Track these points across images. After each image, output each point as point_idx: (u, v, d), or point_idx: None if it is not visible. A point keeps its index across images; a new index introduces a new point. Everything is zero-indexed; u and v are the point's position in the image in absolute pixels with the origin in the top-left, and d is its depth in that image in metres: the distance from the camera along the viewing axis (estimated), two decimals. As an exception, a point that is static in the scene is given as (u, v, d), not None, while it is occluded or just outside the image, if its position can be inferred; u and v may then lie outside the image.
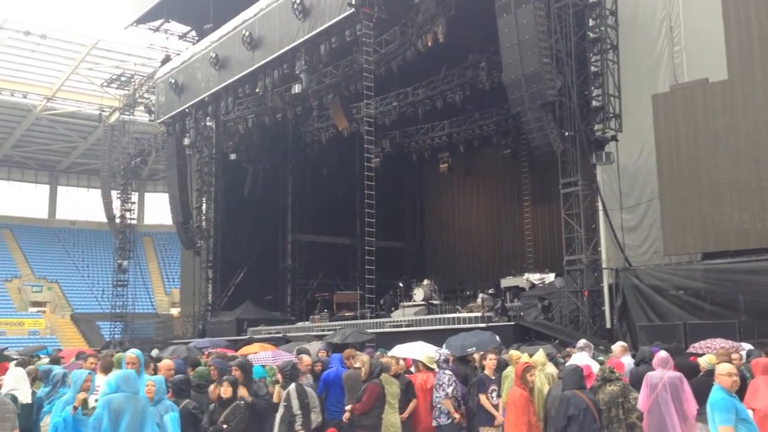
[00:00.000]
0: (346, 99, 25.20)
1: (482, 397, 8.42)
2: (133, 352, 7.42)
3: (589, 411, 6.62)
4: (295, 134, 30.59)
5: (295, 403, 7.33)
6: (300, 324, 25.02)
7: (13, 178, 56.90)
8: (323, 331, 21.02)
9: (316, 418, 8.07)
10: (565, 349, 11.00)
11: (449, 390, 8.68)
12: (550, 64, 15.66)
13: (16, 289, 48.05)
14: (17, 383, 7.85)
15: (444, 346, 9.89)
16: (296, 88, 22.55)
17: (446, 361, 9.20)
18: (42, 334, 42.34)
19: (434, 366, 9.22)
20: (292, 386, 7.58)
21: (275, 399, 7.94)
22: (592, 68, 16.82)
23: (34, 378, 8.48)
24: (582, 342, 9.87)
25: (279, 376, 8.25)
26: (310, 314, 26.19)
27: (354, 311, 24.11)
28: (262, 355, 10.35)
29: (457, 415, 8.60)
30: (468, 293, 24.95)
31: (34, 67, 41.73)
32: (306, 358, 9.34)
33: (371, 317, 21.42)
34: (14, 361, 10.95)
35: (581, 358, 9.22)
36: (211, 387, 7.51)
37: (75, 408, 6.33)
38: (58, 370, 7.70)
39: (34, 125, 48.22)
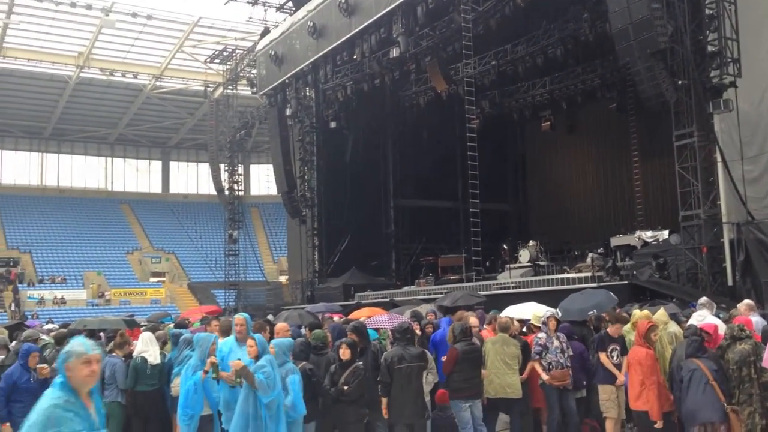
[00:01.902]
0: (444, 60, 24.86)
1: (602, 356, 8.25)
2: (241, 315, 7.73)
3: (699, 371, 6.54)
4: (394, 99, 30.53)
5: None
6: (406, 288, 25.24)
7: (128, 156, 60.10)
8: (429, 294, 21.13)
9: (433, 379, 8.16)
10: (688, 308, 10.57)
11: (533, 353, 8.81)
12: (660, 10, 14.83)
13: (137, 260, 51.01)
14: (146, 346, 8.38)
15: (558, 310, 9.71)
16: (394, 52, 22.41)
17: (545, 323, 9.09)
18: (163, 302, 44.83)
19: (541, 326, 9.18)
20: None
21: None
22: (707, 11, 15.76)
23: (164, 342, 8.98)
24: (703, 299, 9.48)
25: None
26: (416, 278, 26.36)
27: (459, 274, 24.08)
28: (378, 319, 10.49)
29: (545, 376, 8.57)
30: (576, 253, 24.34)
31: (142, 47, 43.56)
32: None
33: (477, 280, 21.32)
34: (143, 327, 11.65)
35: (702, 316, 8.85)
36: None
37: (205, 372, 6.62)
38: (185, 334, 8.10)
39: (144, 104, 50.54)
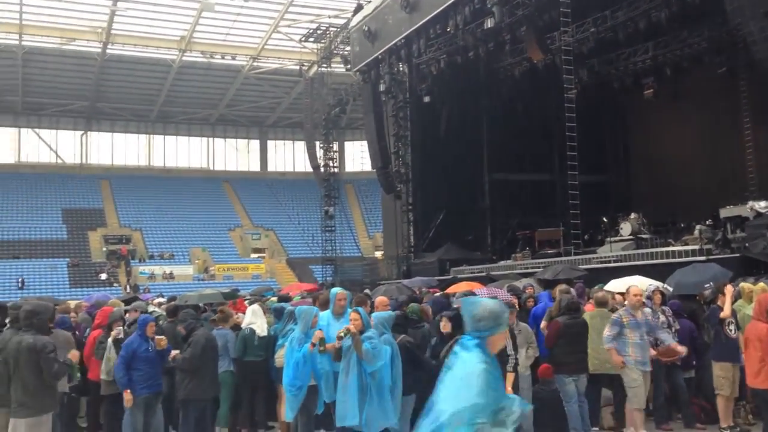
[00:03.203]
0: (541, 29, 24.14)
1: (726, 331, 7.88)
2: (341, 290, 7.84)
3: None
4: (488, 71, 29.97)
5: (509, 343, 7.22)
6: (502, 263, 24.96)
7: (228, 136, 62.11)
8: (526, 269, 20.83)
9: (533, 353, 8.07)
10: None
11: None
12: (776, -35, 13.89)
13: (238, 237, 52.83)
14: (255, 318, 8.70)
15: (668, 284, 9.35)
16: (488, 23, 22.01)
17: (649, 297, 8.75)
18: (263, 277, 46.31)
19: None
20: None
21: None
22: (829, -37, 14.64)
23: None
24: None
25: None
26: (512, 253, 26.02)
27: (557, 248, 23.59)
28: (477, 293, 10.42)
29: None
30: (681, 226, 23.34)
31: (240, 29, 44.68)
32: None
33: (576, 254, 20.82)
34: (247, 300, 12.06)
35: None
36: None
37: (313, 345, 6.77)
38: (288, 307, 8.33)
39: (243, 84, 51.93)
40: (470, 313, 3.68)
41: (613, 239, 21.93)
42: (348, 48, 33.04)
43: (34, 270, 43.22)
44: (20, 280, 41.38)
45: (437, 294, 11.34)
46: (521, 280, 13.50)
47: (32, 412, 5.94)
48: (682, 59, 26.13)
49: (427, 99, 29.12)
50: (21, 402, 5.94)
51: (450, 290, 13.17)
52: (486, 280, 17.30)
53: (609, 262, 18.86)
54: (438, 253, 27.05)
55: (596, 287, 10.08)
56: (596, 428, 8.58)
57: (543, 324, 8.93)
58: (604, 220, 24.28)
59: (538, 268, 18.64)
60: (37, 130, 56.55)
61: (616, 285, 9.92)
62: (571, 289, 9.66)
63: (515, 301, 9.84)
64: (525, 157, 29.71)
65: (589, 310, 8.78)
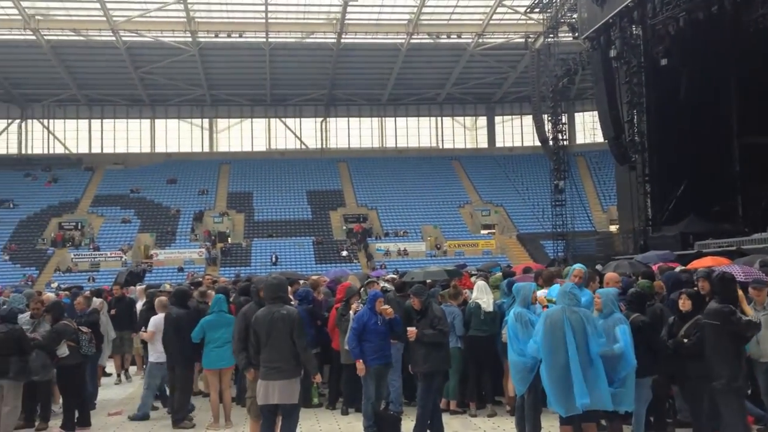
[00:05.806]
0: (800, -30, 21.30)
1: None
2: (579, 266, 7.60)
3: None
4: (736, 26, 26.94)
5: None
6: (756, 235, 22.58)
7: (456, 114, 63.04)
8: (786, 242, 18.67)
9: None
10: None
11: None
12: None
13: (468, 214, 53.53)
14: (481, 294, 8.81)
15: None
16: (735, -30, 19.86)
17: None
18: (494, 253, 46.48)
19: None
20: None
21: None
22: None
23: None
24: None
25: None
26: (768, 225, 23.46)
27: (825, 219, 20.83)
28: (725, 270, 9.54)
29: None
30: None
31: (464, 7, 44.92)
32: None
33: None
34: (473, 275, 12.20)
35: None
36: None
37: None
38: (515, 284, 8.28)
39: (469, 62, 52.23)
40: None
41: None
42: (575, 15, 31.76)
43: (285, 247, 47.44)
44: (274, 256, 45.68)
45: (677, 269, 10.54)
46: (778, 255, 12.11)
47: (285, 375, 6.52)
48: None
49: (664, 62, 27.01)
50: (275, 366, 6.52)
51: (692, 265, 12.19)
52: (735, 255, 15.74)
53: None
54: (680, 226, 25.23)
55: None
56: None
57: None
58: None
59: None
60: (283, 119, 61.78)
61: None
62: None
63: (769, 278, 8.86)
64: (783, 117, 26.46)
65: None
